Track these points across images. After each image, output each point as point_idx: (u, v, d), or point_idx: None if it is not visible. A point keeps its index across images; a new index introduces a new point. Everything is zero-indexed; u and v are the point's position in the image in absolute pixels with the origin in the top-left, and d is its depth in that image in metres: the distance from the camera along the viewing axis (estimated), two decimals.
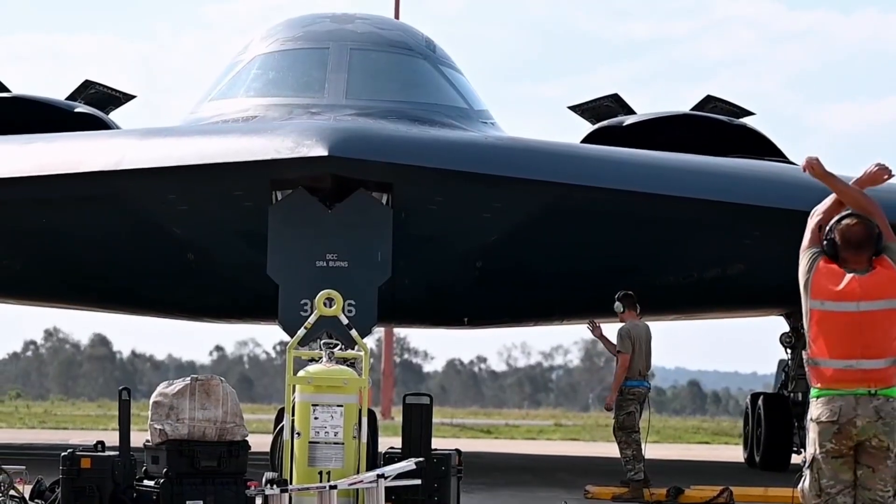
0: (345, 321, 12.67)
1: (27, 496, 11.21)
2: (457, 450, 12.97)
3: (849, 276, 8.58)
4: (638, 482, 17.77)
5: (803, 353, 8.80)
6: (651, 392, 18.48)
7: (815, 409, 8.63)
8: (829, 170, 8.91)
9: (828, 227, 8.71)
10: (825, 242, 8.70)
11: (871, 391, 8.53)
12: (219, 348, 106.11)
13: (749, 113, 25.59)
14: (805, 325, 8.70)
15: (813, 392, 8.69)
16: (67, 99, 26.03)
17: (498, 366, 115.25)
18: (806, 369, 8.71)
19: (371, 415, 12.46)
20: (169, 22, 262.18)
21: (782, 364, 26.95)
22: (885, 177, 8.87)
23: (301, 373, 12.03)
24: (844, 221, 8.69)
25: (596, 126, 25.26)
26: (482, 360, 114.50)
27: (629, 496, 17.69)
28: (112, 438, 11.51)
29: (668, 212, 19.92)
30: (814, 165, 8.87)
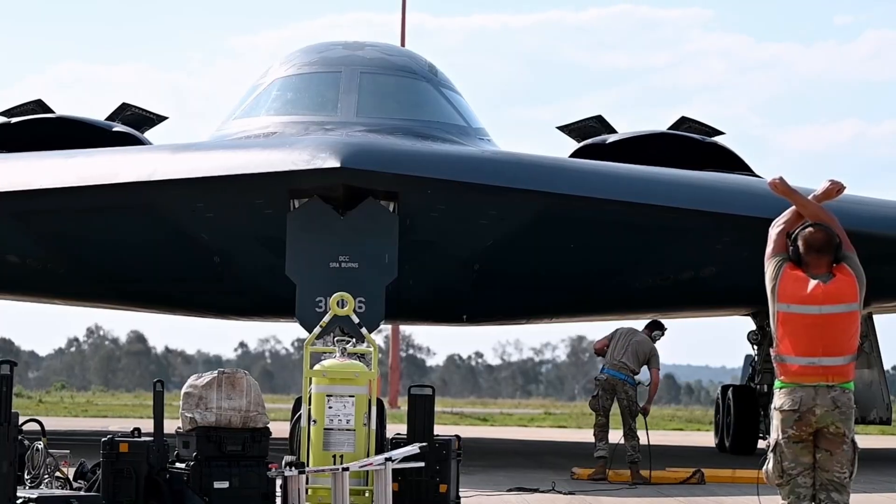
0: (356, 320, 12.67)
1: (71, 477, 11.21)
2: (456, 436, 12.97)
3: (813, 282, 8.62)
4: (598, 459, 17.92)
5: (771, 350, 8.82)
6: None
7: (779, 399, 8.66)
8: (792, 185, 9.00)
9: (793, 236, 8.77)
10: (790, 248, 8.75)
11: (830, 384, 8.56)
12: (243, 344, 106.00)
13: (719, 132, 25.61)
14: (772, 326, 8.73)
15: (777, 384, 8.72)
16: (106, 119, 26.04)
17: (493, 360, 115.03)
18: (774, 364, 8.74)
19: (379, 404, 12.45)
20: (200, 52, 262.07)
21: (749, 359, 26.95)
22: (838, 191, 9.00)
23: (317, 366, 12.03)
24: (808, 229, 8.76)
25: (582, 144, 25.27)
26: (479, 355, 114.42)
27: (596, 474, 17.83)
28: (147, 425, 11.52)
29: (647, 220, 19.93)
30: (777, 185, 9.02)
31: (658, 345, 18.70)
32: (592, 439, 18.35)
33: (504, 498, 15.16)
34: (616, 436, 18.19)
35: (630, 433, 18.02)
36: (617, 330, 18.55)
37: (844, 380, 8.59)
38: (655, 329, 18.89)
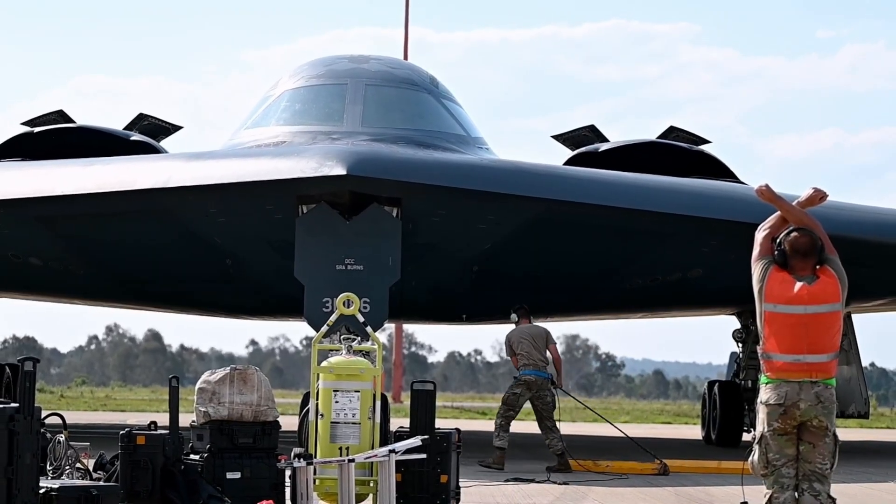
0: (361, 319, 12.65)
1: (91, 468, 11.18)
2: (456, 429, 12.93)
3: (798, 283, 8.62)
4: (497, 449, 17.99)
5: (757, 347, 8.82)
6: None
7: (765, 394, 8.65)
8: (777, 192, 9.00)
9: (778, 240, 8.76)
10: (776, 252, 8.74)
11: (814, 380, 8.55)
12: (254, 342, 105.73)
13: (706, 141, 25.56)
14: (758, 324, 8.71)
15: (763, 379, 8.71)
16: (125, 129, 26.00)
17: (491, 357, 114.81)
18: (760, 361, 8.73)
19: (383, 399, 12.43)
20: (214, 65, 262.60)
21: (734, 356, 26.93)
22: (821, 199, 8.98)
23: (324, 363, 12.01)
24: (793, 234, 8.75)
25: (575, 152, 25.23)
26: (478, 352, 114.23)
27: (494, 463, 17.87)
28: (163, 419, 11.48)
29: (637, 224, 19.91)
30: (763, 191, 9.01)
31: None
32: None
33: (501, 488, 15.13)
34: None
35: (553, 426, 17.99)
36: (510, 335, 18.44)
37: (827, 376, 8.59)
38: (528, 312, 18.77)
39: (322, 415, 11.79)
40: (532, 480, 15.98)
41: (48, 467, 10.71)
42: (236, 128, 22.94)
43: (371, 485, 11.84)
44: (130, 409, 44.40)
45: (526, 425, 37.81)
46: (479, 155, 21.36)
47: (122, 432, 10.82)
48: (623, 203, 19.37)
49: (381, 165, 17.85)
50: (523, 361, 18.00)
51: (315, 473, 11.39)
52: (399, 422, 14.71)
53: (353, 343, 12.27)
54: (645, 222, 19.78)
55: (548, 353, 18.21)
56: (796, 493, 8.62)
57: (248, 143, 21.18)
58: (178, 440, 10.95)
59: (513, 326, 18.50)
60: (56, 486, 9.47)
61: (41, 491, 9.22)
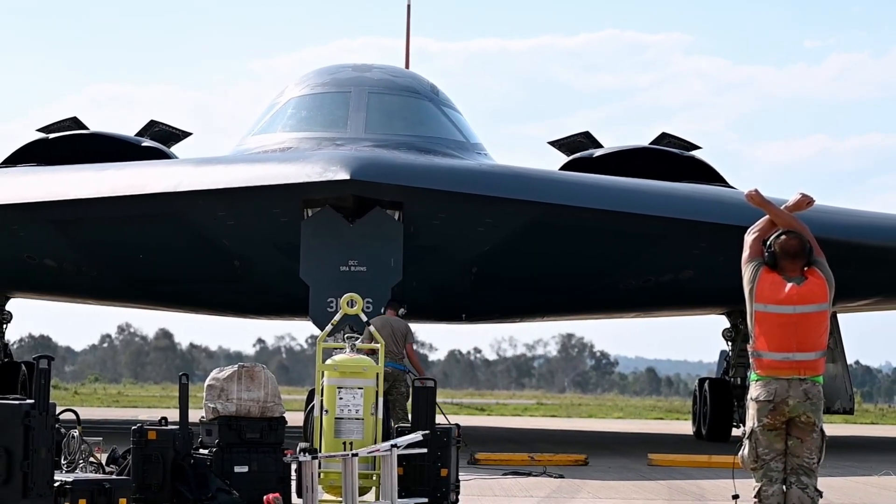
0: (364, 319, 12.65)
1: (104, 462, 11.17)
2: (456, 424, 12.91)
3: (788, 284, 8.62)
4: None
5: (748, 345, 8.82)
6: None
7: (755, 391, 8.64)
8: (766, 196, 9.00)
9: (768, 242, 8.77)
10: (767, 254, 8.74)
11: (802, 378, 8.55)
12: (261, 341, 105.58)
13: (697, 147, 25.57)
14: (749, 324, 8.71)
15: (753, 376, 8.70)
16: (136, 135, 26.00)
17: (490, 355, 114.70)
18: (750, 359, 8.72)
19: (386, 396, 12.42)
20: (222, 74, 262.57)
21: (724, 354, 26.91)
22: (808, 204, 8.99)
23: (329, 361, 12.00)
24: (783, 237, 8.76)
25: (570, 157, 25.23)
26: (477, 350, 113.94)
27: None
28: (174, 415, 11.47)
29: (630, 227, 19.90)
30: (753, 196, 9.01)
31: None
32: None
33: (500, 481, 15.12)
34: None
35: (404, 417, 17.89)
36: (369, 324, 18.15)
37: (815, 373, 8.59)
38: (400, 307, 18.26)
39: (327, 411, 11.78)
40: (529, 474, 15.96)
41: (62, 461, 10.71)
42: (244, 134, 22.93)
43: (374, 478, 11.84)
44: (142, 405, 44.39)
45: (524, 421, 37.86)
46: (477, 160, 21.36)
47: (133, 427, 10.81)
48: (617, 207, 19.36)
49: (383, 170, 17.84)
50: (391, 353, 17.50)
51: (320, 467, 11.38)
52: None
53: (357, 342, 12.26)
54: (638, 225, 19.78)
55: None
56: (784, 487, 8.61)
57: (256, 149, 21.18)
58: (187, 435, 10.94)
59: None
60: (70, 480, 9.46)
61: (56, 484, 9.21)
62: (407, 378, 17.83)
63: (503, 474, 15.93)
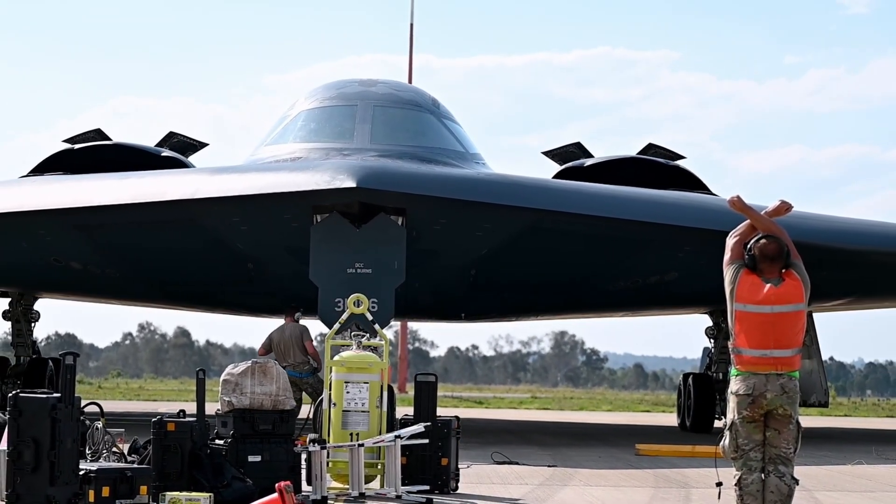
0: (370, 318, 12.65)
1: (126, 452, 11.18)
2: (456, 416, 12.92)
3: (766, 285, 8.63)
4: None
5: (728, 343, 8.83)
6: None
7: (735, 385, 8.65)
8: (747, 202, 9.01)
9: (749, 246, 8.78)
10: (747, 257, 8.75)
11: (779, 373, 8.57)
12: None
13: (682, 157, 25.55)
14: (729, 322, 8.72)
15: (733, 371, 8.71)
16: (156, 146, 26.00)
17: (488, 352, 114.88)
18: (731, 355, 8.73)
19: (390, 389, 12.42)
20: (238, 88, 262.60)
21: (706, 351, 26.88)
22: (787, 210, 8.99)
23: (336, 357, 12.01)
24: (762, 241, 8.77)
25: (563, 167, 25.22)
26: (476, 347, 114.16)
27: None
28: (191, 408, 11.47)
29: (619, 232, 19.88)
30: (735, 202, 9.02)
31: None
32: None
33: (496, 469, 15.11)
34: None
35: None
36: (271, 335, 18.64)
37: (792, 369, 8.61)
38: (296, 312, 18.99)
39: (335, 404, 11.80)
40: (525, 463, 15.96)
41: (87, 451, 10.72)
42: (257, 144, 22.94)
43: (379, 467, 11.85)
44: (161, 398, 44.37)
45: (519, 413, 37.83)
46: (476, 169, 21.36)
47: (153, 420, 10.81)
48: (606, 213, 19.35)
49: (387, 179, 17.85)
50: (280, 363, 16.77)
51: (328, 457, 11.39)
52: (404, 410, 14.71)
53: (363, 339, 12.27)
54: (626, 230, 19.76)
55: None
56: (763, 475, 8.62)
57: (268, 159, 21.18)
58: (204, 427, 10.94)
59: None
60: (94, 468, 9.48)
61: (81, 472, 9.23)
62: (307, 380, 18.14)
63: (499, 462, 15.89)
